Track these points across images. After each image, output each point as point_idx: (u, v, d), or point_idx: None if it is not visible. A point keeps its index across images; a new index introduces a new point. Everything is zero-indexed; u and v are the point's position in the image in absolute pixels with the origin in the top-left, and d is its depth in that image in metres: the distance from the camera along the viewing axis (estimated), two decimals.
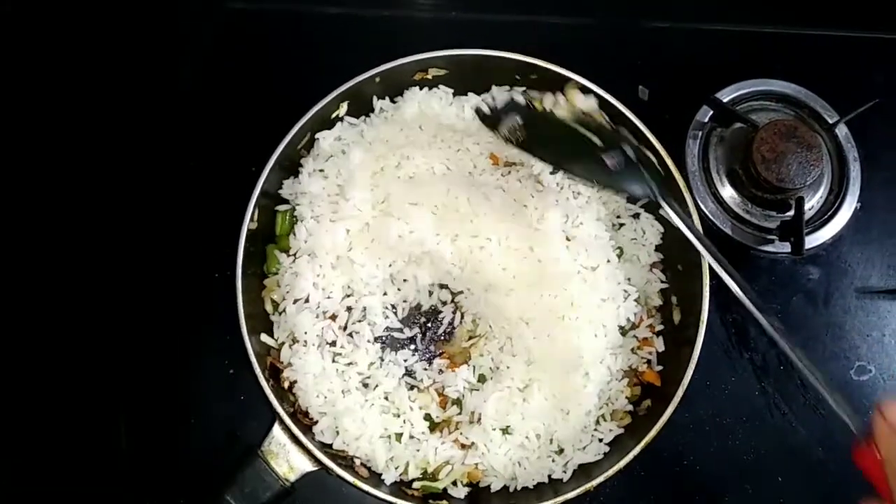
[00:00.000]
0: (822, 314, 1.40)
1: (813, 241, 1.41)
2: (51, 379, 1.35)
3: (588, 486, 1.17)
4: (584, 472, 1.23)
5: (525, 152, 1.18)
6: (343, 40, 1.51)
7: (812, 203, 1.43)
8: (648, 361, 1.31)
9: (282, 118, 1.31)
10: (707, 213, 1.42)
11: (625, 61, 1.51)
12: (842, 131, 1.46)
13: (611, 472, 1.16)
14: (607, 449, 1.25)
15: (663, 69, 1.50)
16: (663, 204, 1.16)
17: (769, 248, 1.41)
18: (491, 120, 1.19)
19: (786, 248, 1.39)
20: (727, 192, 1.44)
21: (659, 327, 1.33)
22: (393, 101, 1.40)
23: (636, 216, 1.37)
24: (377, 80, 1.32)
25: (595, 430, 1.26)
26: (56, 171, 1.45)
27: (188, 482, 1.29)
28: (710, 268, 1.19)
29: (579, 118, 1.18)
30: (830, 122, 1.45)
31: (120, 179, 1.44)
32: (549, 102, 1.19)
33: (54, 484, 1.31)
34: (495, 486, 1.24)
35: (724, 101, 1.46)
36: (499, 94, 1.23)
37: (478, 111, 1.20)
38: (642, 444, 1.18)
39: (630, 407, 1.28)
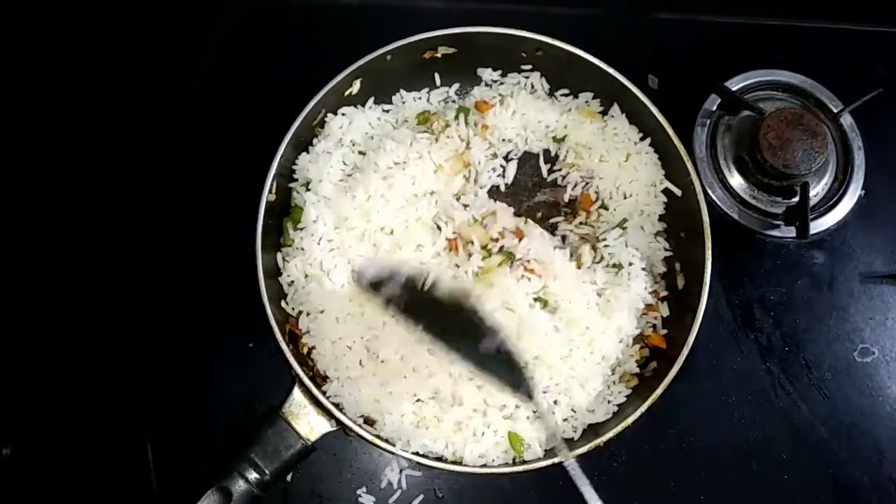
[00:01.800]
0: (826, 297, 1.42)
1: (818, 226, 1.44)
2: (74, 358, 1.37)
3: (597, 441, 1.20)
4: (592, 430, 1.26)
5: (406, 317, 1.10)
6: (357, 28, 1.54)
7: (817, 190, 1.46)
8: (654, 326, 1.35)
9: (298, 98, 1.35)
10: (715, 199, 1.45)
11: (635, 52, 1.53)
12: (846, 120, 1.49)
13: (619, 427, 1.20)
14: (615, 409, 1.28)
15: (672, 59, 1.53)
16: (534, 396, 1.10)
17: (775, 232, 1.44)
18: (372, 284, 1.12)
19: (791, 232, 1.42)
20: (734, 179, 1.47)
21: (663, 293, 1.36)
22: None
23: None
24: (388, 57, 1.36)
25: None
26: (75, 153, 1.48)
27: (210, 450, 1.31)
28: (712, 234, 1.26)
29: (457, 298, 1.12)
30: (835, 111, 1.49)
31: (137, 159, 1.47)
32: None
33: (78, 457, 1.34)
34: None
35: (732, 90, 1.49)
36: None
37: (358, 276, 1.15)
38: (649, 401, 1.21)
39: (637, 370, 1.32)
